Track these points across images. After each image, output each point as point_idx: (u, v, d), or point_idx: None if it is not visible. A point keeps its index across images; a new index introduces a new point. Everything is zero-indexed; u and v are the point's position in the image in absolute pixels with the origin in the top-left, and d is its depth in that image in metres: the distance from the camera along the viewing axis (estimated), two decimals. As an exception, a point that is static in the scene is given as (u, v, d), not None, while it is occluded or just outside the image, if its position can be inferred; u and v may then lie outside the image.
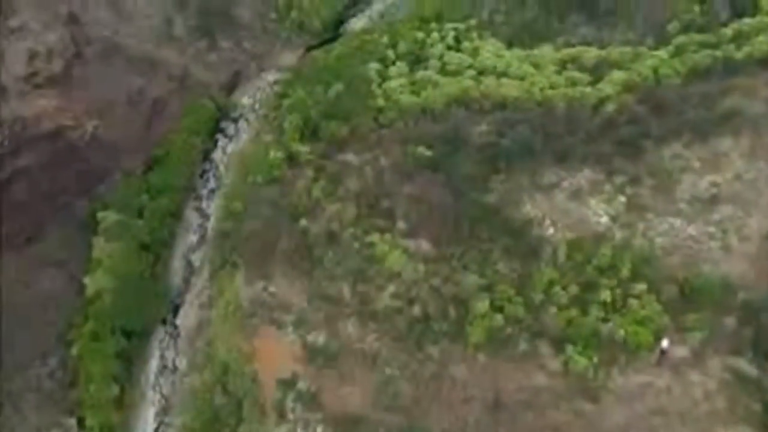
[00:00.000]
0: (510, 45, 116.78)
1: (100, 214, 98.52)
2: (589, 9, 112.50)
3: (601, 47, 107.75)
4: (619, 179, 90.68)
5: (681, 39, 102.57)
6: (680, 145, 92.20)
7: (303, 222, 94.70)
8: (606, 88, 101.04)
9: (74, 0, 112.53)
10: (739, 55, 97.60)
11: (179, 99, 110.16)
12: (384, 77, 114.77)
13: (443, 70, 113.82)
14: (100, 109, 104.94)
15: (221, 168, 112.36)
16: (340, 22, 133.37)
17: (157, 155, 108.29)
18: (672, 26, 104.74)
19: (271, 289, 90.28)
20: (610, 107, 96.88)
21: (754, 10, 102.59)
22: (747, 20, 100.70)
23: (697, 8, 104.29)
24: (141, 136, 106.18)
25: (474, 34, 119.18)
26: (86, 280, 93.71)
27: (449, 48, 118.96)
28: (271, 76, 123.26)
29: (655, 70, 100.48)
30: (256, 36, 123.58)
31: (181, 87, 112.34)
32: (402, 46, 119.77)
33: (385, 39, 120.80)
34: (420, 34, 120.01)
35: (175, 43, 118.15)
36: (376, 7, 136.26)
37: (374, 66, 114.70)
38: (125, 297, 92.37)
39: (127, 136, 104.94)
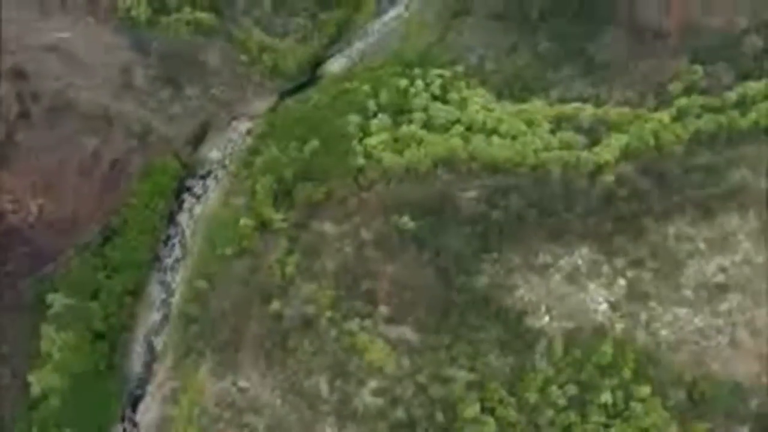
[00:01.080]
0: (500, 96, 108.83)
1: (48, 297, 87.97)
2: (584, 61, 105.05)
3: (598, 104, 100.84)
4: (619, 261, 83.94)
5: (683, 101, 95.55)
6: (685, 223, 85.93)
7: (275, 304, 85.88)
8: (604, 153, 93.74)
9: (19, 51, 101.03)
10: (744, 122, 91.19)
11: (140, 158, 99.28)
12: (365, 131, 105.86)
13: (429, 125, 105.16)
14: (46, 184, 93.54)
15: (188, 233, 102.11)
16: (317, 63, 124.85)
17: (115, 226, 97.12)
18: (673, 86, 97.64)
19: (241, 383, 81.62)
20: (609, 177, 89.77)
21: (759, 72, 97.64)
22: (752, 84, 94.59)
23: (699, 69, 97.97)
24: (95, 206, 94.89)
25: (462, 83, 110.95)
26: (31, 378, 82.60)
27: (435, 98, 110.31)
28: (242, 126, 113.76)
29: (657, 136, 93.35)
30: (226, 82, 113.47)
31: (141, 144, 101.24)
32: (384, 95, 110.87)
33: (366, 87, 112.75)
34: (403, 82, 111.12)
35: (135, 94, 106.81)
36: (357, 46, 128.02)
37: (354, 119, 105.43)
38: (77, 398, 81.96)
39: (80, 208, 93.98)
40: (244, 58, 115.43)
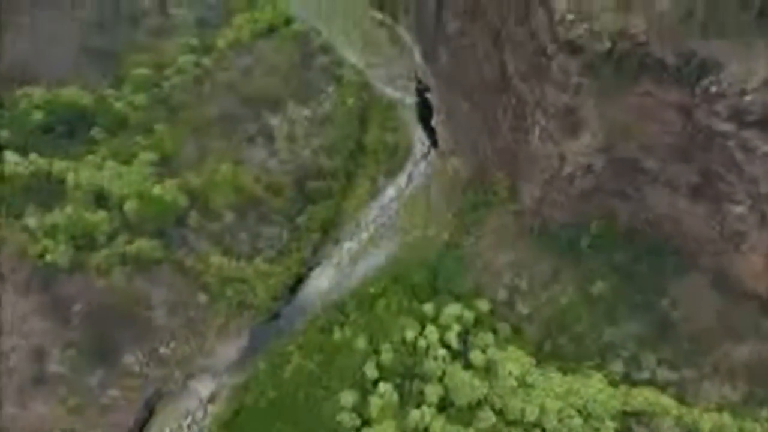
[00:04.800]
0: (539, 350, 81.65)
1: None
2: (655, 319, 76.98)
3: (680, 397, 76.70)
4: None
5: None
6: None
7: None
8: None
9: None
10: None
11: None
12: (362, 415, 76.91)
13: (447, 408, 79.21)
14: None
15: None
16: (298, 279, 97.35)
17: None
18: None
19: None
20: None
21: None
22: None
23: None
24: None
25: (488, 335, 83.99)
26: None
27: (453, 357, 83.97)
28: (202, 388, 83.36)
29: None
30: (178, 334, 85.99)
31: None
32: (387, 352, 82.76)
33: (361, 342, 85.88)
34: (411, 331, 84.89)
35: (51, 389, 75.00)
36: (348, 247, 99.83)
37: (348, 398, 76.76)
38: None
39: None
40: (201, 297, 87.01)
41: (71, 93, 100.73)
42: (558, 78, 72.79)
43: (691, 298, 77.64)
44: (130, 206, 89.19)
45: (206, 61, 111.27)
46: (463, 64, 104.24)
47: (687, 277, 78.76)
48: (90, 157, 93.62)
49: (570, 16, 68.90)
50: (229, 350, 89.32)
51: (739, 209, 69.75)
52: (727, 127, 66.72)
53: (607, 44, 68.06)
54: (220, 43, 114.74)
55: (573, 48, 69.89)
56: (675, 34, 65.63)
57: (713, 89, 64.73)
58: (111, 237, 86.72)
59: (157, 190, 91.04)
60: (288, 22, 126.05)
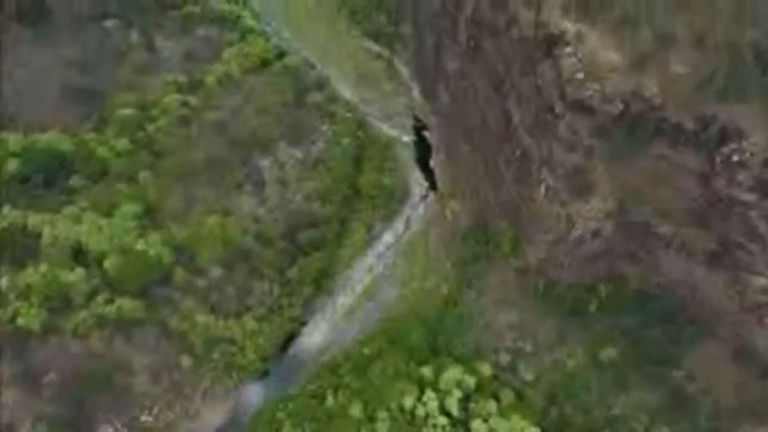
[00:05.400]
0: (545, 424, 75.01)
1: None
2: (668, 390, 71.72)
3: None
4: None
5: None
6: None
7: None
8: None
9: None
10: None
11: None
12: None
13: (448, 486, 77.04)
14: None
15: None
16: (290, 336, 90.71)
17: None
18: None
19: None
20: None
21: None
22: None
23: None
24: None
25: (490, 402, 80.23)
26: None
27: (454, 425, 77.04)
28: None
29: None
30: (160, 400, 78.87)
31: None
32: (383, 422, 76.51)
33: (356, 409, 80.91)
34: (409, 397, 78.85)
35: None
36: (341, 302, 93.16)
37: None
38: None
39: None
40: (186, 360, 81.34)
41: (50, 138, 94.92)
42: (567, 138, 68.33)
43: (708, 370, 72.63)
44: (110, 263, 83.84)
45: (193, 99, 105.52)
46: (464, 105, 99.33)
47: (704, 348, 73.54)
48: (68, 208, 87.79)
49: (579, 75, 65.04)
50: (215, 414, 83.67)
51: (761, 281, 65.36)
52: (749, 197, 62.25)
53: (620, 106, 64.40)
54: (209, 79, 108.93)
55: (583, 108, 65.58)
56: (692, 97, 61.95)
57: (735, 158, 61.02)
58: (89, 297, 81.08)
59: (139, 244, 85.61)
60: (281, 55, 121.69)
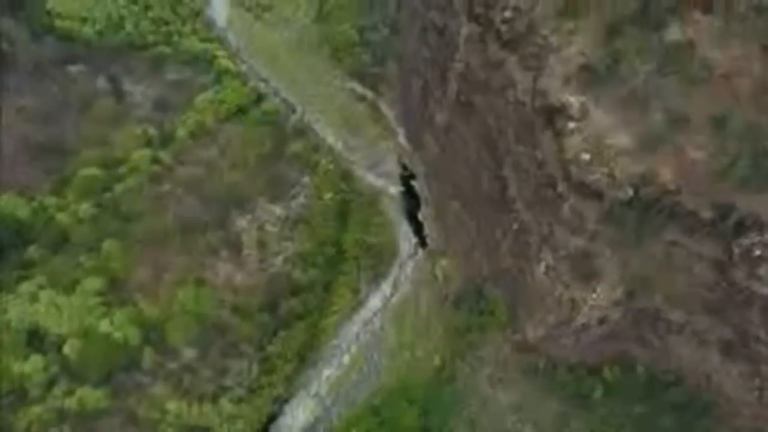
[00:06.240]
0: None
1: None
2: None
3: None
4: None
5: None
6: None
7: None
8: None
9: None
10: None
11: None
12: None
13: None
14: None
15: None
16: (271, 417, 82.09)
17: None
18: None
19: None
20: None
21: None
22: None
23: None
24: None
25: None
26: None
27: None
28: None
29: None
30: None
31: None
32: None
33: None
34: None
35: None
36: (327, 375, 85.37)
37: None
38: None
39: None
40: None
41: (5, 202, 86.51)
42: (570, 221, 62.95)
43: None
44: (70, 348, 76.07)
45: (164, 154, 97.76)
46: (453, 160, 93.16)
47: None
48: (24, 285, 79.66)
49: (585, 156, 59.71)
50: None
51: (783, 378, 61.09)
52: (771, 292, 58.21)
53: (630, 192, 59.29)
54: (181, 132, 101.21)
55: (589, 192, 60.44)
56: (709, 184, 56.97)
57: (757, 252, 56.16)
58: (46, 388, 73.16)
59: (103, 326, 77.80)
60: (258, 99, 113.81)
